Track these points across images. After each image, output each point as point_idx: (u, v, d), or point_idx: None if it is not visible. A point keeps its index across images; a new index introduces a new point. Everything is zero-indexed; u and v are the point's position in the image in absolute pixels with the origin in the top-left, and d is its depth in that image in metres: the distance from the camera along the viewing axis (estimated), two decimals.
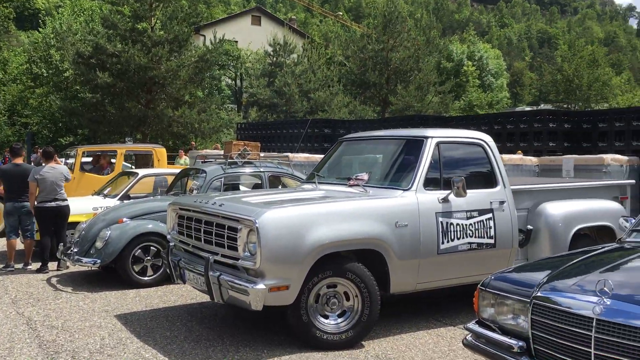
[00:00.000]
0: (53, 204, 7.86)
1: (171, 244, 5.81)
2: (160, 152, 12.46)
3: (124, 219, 7.29)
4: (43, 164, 8.08)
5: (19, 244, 8.21)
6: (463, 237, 5.34)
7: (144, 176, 9.84)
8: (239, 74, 40.51)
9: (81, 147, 12.75)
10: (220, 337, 5.12)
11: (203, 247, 5.19)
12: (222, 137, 23.40)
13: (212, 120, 21.30)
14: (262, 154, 9.08)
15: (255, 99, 22.02)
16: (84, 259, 7.06)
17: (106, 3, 22.62)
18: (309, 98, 22.26)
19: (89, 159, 12.94)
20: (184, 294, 6.69)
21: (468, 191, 5.25)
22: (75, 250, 7.26)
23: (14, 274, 7.72)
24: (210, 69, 21.71)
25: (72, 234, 7.98)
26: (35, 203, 7.84)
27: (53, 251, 7.97)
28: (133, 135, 28.22)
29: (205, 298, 5.73)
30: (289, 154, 11.79)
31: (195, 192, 7.76)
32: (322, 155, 14.73)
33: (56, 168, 8.05)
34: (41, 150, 8.26)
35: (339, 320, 4.88)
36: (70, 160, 11.92)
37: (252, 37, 43.18)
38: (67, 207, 8.06)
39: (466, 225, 5.36)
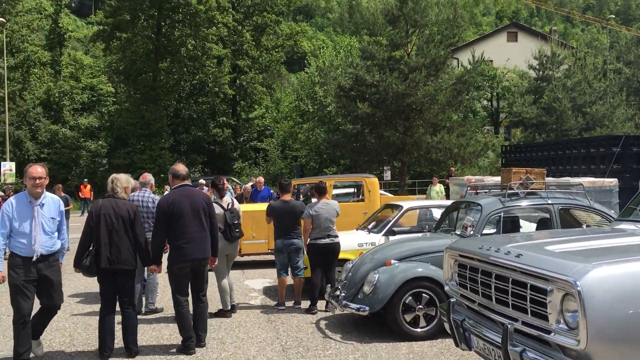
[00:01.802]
0: (327, 240, 7.57)
1: (452, 299, 4.81)
2: (371, 182, 11.72)
3: (392, 261, 6.57)
4: (315, 200, 7.89)
5: (289, 281, 8.10)
6: None
7: (409, 209, 9.14)
8: (495, 94, 38.50)
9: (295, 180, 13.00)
10: None
11: (495, 308, 4.06)
12: (480, 161, 22.04)
13: (471, 144, 20.06)
14: (549, 180, 7.61)
15: (520, 118, 20.13)
16: (352, 305, 6.49)
17: (364, 35, 23.20)
18: (584, 113, 19.57)
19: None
20: (465, 355, 5.63)
21: None
22: (343, 293, 6.76)
23: (285, 313, 7.57)
24: (468, 91, 20.59)
25: (339, 271, 7.60)
26: (309, 240, 7.63)
27: (322, 289, 7.66)
28: (390, 163, 28.57)
29: None
30: (580, 180, 9.81)
31: (469, 230, 6.71)
32: (611, 180, 12.44)
33: (329, 204, 7.77)
34: (315, 186, 8.07)
35: None
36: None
37: (508, 54, 40.90)
38: (339, 244, 7.71)
39: None
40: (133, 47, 35.99)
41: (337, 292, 7.00)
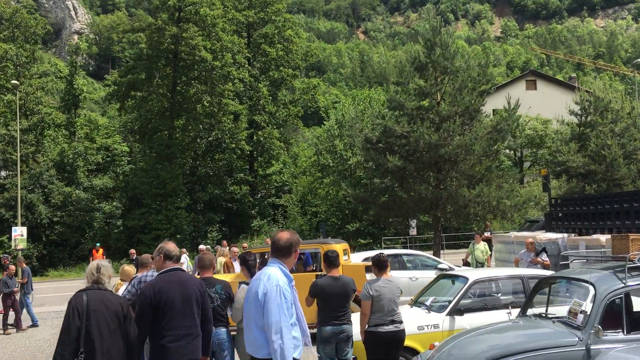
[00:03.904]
0: (391, 327, 6.00)
1: None
2: (335, 248, 9.77)
3: None
4: (376, 277, 6.35)
5: None
6: None
7: (476, 282, 7.55)
8: (518, 142, 37.08)
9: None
10: None
11: None
12: (526, 213, 20.46)
13: (512, 196, 18.49)
14: None
15: (564, 167, 18.59)
16: None
17: (391, 84, 22.11)
18: (636, 161, 18.01)
19: None
20: None
21: None
22: None
23: None
24: (504, 139, 19.20)
25: None
26: (367, 327, 6.06)
27: None
28: (417, 217, 26.98)
29: None
30: None
31: (580, 317, 5.13)
32: None
33: (392, 281, 6.23)
34: (373, 260, 6.47)
35: None
36: None
37: (528, 102, 39.82)
38: (404, 332, 6.13)
39: None
40: (148, 106, 35.38)
41: None
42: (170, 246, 4.98)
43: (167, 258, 4.91)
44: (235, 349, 5.76)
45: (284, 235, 4.03)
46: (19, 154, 31.22)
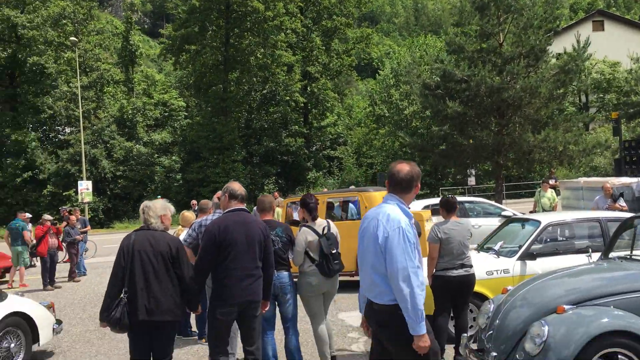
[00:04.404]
0: (461, 271, 5.70)
1: None
2: (367, 196, 9.70)
3: (565, 306, 4.61)
4: (443, 219, 6.01)
5: None
6: None
7: (549, 225, 7.11)
8: (587, 83, 35.13)
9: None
10: None
11: None
12: (595, 159, 19.45)
13: (581, 141, 17.55)
14: None
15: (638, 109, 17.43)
16: None
17: (450, 26, 21.15)
18: None
19: None
20: None
21: None
22: (491, 351, 4.87)
23: None
24: (572, 81, 18.12)
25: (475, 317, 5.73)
26: (435, 271, 5.79)
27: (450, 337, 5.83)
28: (477, 166, 26.20)
29: None
30: None
31: None
32: None
33: (461, 224, 5.90)
34: (442, 201, 6.08)
35: None
36: None
37: (595, 45, 37.57)
38: (474, 276, 5.83)
39: None
40: (202, 59, 35.45)
41: (475, 344, 5.15)
42: (236, 185, 4.82)
43: (232, 197, 4.76)
44: (297, 293, 5.62)
45: (404, 168, 3.52)
46: (80, 110, 32.04)
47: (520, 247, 6.92)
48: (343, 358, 6.23)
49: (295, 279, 5.59)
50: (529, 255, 6.75)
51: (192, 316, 7.32)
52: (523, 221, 7.72)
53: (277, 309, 5.49)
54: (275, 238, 5.39)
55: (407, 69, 21.72)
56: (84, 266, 14.58)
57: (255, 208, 7.72)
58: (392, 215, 3.41)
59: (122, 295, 4.25)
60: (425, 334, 3.29)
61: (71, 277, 13.62)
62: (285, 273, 5.40)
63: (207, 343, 6.63)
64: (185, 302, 4.47)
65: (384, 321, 3.43)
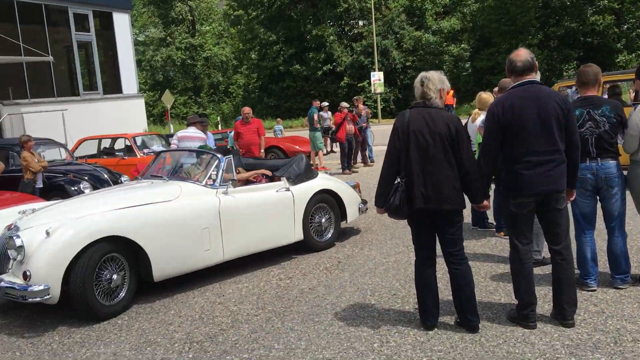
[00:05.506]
0: None
1: None
2: None
3: None
4: None
5: None
6: None
7: None
8: None
9: None
10: None
11: None
12: None
13: None
14: None
15: None
16: None
17: None
18: None
19: None
20: None
21: None
22: None
23: None
24: None
25: None
26: None
27: None
28: None
29: None
30: None
31: None
32: None
33: None
34: None
35: None
36: None
37: None
38: None
39: None
40: None
41: None
42: (515, 55, 3.90)
43: (512, 72, 3.89)
44: (628, 187, 4.57)
45: None
46: (372, 1, 32.63)
47: None
48: None
49: (624, 171, 4.55)
50: None
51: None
52: None
53: (600, 204, 4.57)
54: (601, 118, 4.38)
55: None
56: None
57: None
58: None
59: (399, 179, 3.89)
60: None
61: (364, 161, 14.35)
62: (612, 162, 4.41)
63: (506, 237, 6.09)
64: (466, 192, 3.89)
65: None
